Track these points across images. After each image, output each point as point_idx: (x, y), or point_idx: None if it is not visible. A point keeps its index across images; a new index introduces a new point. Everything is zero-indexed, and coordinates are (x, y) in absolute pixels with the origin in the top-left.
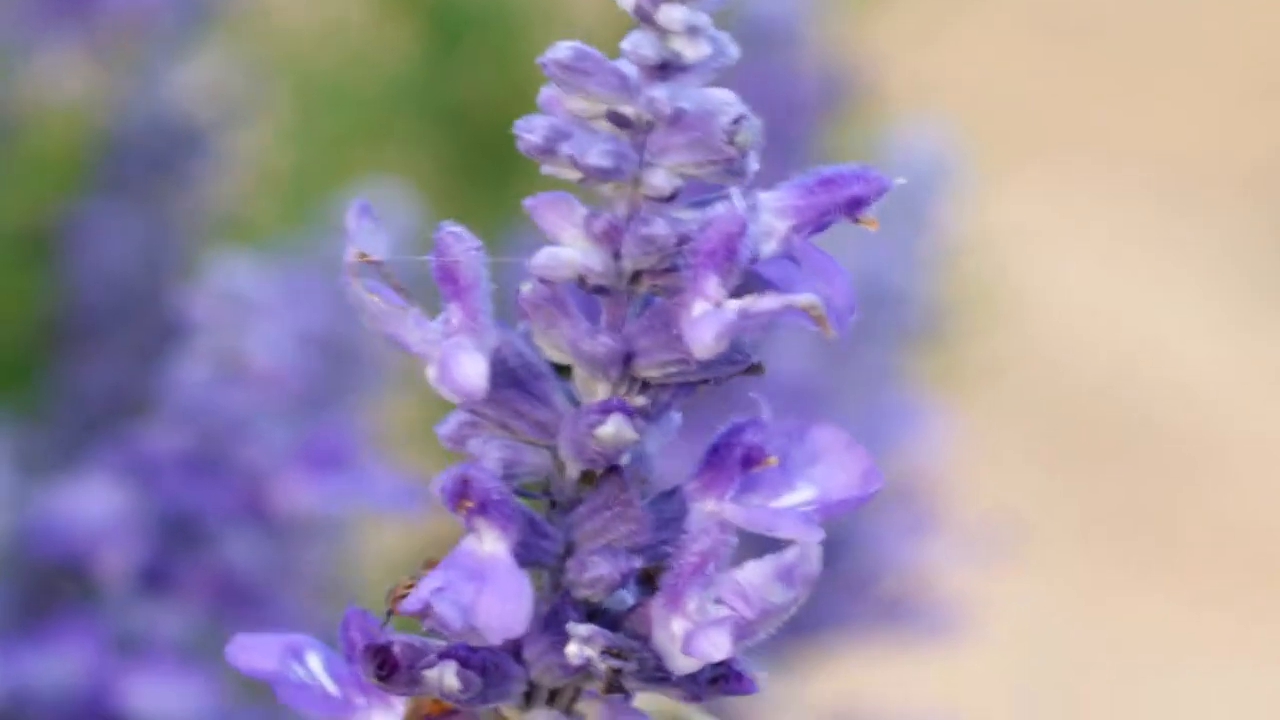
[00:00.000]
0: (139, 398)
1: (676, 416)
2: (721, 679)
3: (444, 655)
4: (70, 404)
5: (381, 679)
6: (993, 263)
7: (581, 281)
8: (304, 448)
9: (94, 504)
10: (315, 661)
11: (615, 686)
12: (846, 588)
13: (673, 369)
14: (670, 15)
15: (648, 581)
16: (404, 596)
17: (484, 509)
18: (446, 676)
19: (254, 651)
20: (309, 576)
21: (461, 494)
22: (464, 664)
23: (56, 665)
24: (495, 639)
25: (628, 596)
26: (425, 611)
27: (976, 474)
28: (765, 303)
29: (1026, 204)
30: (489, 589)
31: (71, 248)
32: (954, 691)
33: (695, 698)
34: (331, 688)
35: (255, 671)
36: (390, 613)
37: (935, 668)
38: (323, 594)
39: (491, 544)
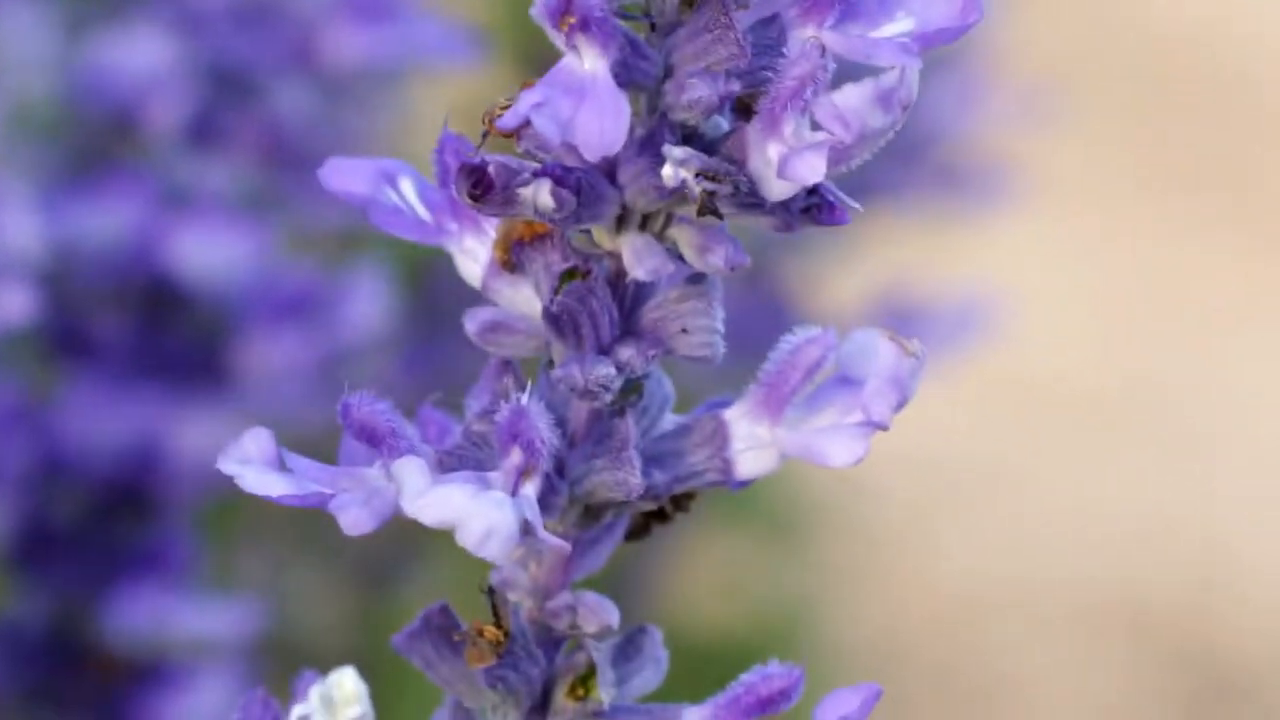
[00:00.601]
0: None
1: None
2: (814, 208)
3: (539, 174)
4: None
5: (475, 199)
6: None
7: None
8: None
9: (142, 56)
10: (408, 187)
11: (709, 210)
12: (898, 154)
13: None
14: None
15: (744, 111)
16: (501, 115)
17: (585, 25)
18: (540, 194)
19: (347, 174)
20: (361, 133)
21: (563, 10)
22: (559, 182)
23: (105, 219)
24: (592, 155)
25: (724, 122)
26: (523, 127)
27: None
28: None
29: None
30: (587, 105)
31: None
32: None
33: (787, 227)
34: (424, 213)
35: (347, 194)
36: (485, 135)
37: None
38: (375, 152)
39: (591, 62)
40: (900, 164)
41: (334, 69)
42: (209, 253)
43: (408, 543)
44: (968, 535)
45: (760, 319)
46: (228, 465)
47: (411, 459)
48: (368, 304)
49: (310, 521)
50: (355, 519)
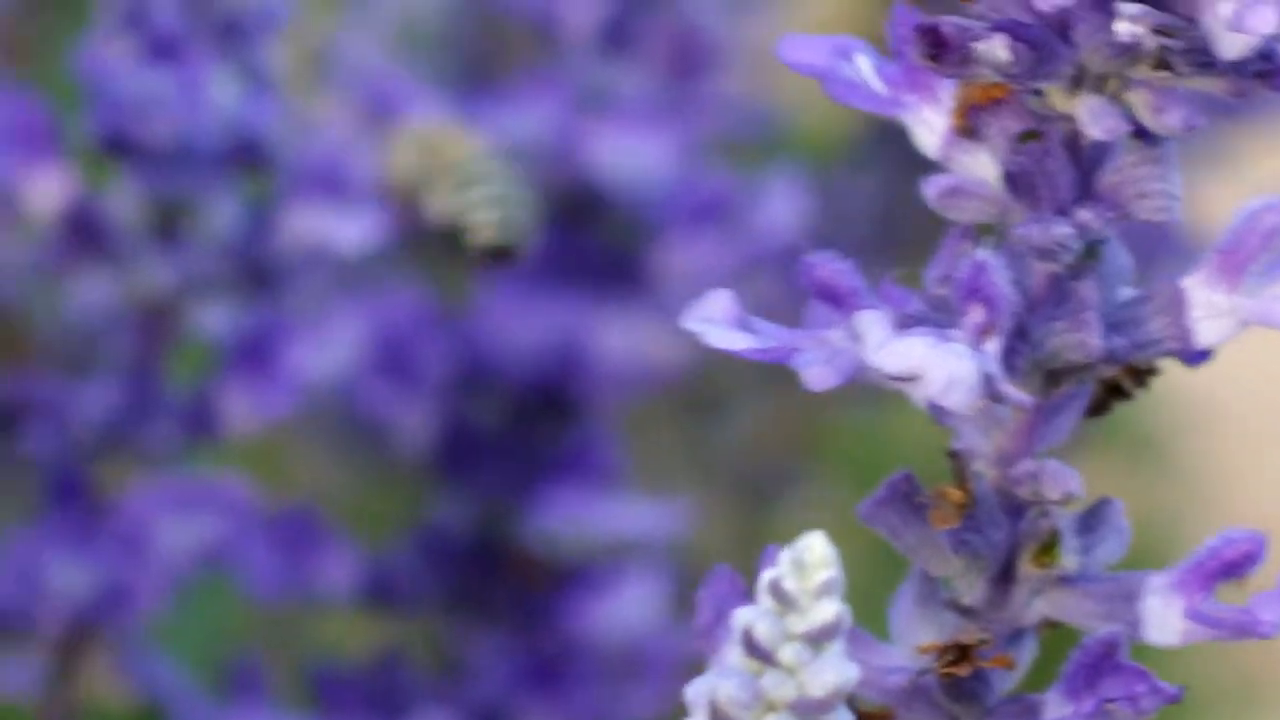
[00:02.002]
0: None
1: None
2: (1269, 73)
3: (994, 28)
4: None
5: (932, 58)
6: None
7: None
8: None
9: None
10: (863, 62)
11: (1163, 64)
12: None
13: None
14: None
15: None
16: None
17: None
18: (997, 49)
19: (803, 49)
20: (760, 41)
21: None
22: (1014, 36)
23: (524, 124)
24: (1045, 4)
25: None
26: None
27: None
28: None
29: None
30: None
31: None
32: None
33: (1239, 92)
34: (880, 86)
35: (804, 67)
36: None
37: None
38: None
39: None
40: None
41: None
42: (627, 156)
43: (789, 464)
44: None
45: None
46: (692, 323)
47: (873, 312)
48: (782, 209)
49: (694, 442)
50: (819, 375)
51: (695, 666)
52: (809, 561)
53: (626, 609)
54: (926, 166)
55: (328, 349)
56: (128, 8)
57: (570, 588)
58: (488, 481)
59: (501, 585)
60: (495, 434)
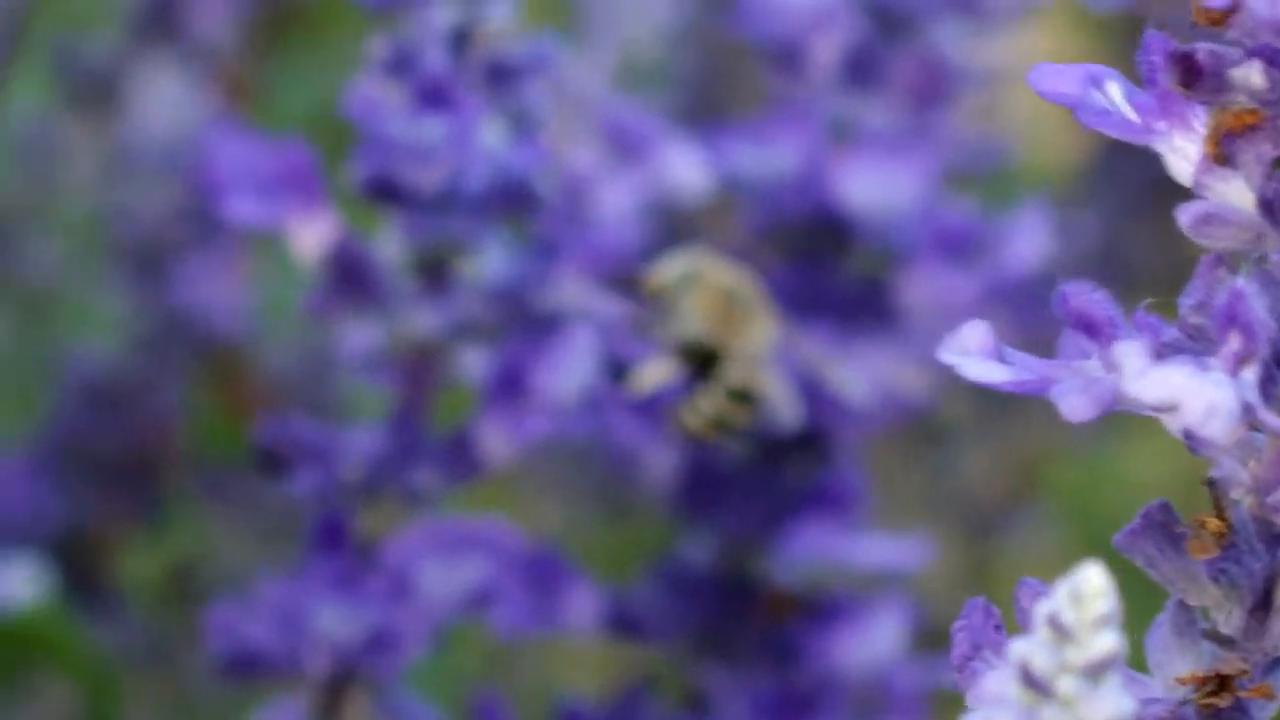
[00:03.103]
0: None
1: None
2: None
3: (1250, 54)
4: None
5: (1186, 85)
6: None
7: None
8: None
9: None
10: (1115, 90)
11: None
12: None
13: None
14: None
15: None
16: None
17: None
18: (1252, 75)
19: (1055, 77)
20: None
21: None
22: (1269, 62)
23: (769, 154)
24: None
25: None
26: (1231, 11)
27: None
28: None
29: None
30: None
31: None
32: None
33: None
34: (1131, 114)
35: (1055, 95)
36: (1193, 26)
37: None
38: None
39: None
40: None
41: (990, 11)
42: (875, 187)
43: (1015, 497)
44: None
45: None
46: (948, 355)
47: (1131, 342)
48: (1029, 240)
49: (923, 475)
50: (1076, 405)
51: (939, 699)
52: (1086, 593)
53: (872, 642)
54: (1154, 199)
55: (574, 378)
56: (396, 53)
57: (816, 621)
58: (733, 516)
59: (747, 619)
60: (742, 468)
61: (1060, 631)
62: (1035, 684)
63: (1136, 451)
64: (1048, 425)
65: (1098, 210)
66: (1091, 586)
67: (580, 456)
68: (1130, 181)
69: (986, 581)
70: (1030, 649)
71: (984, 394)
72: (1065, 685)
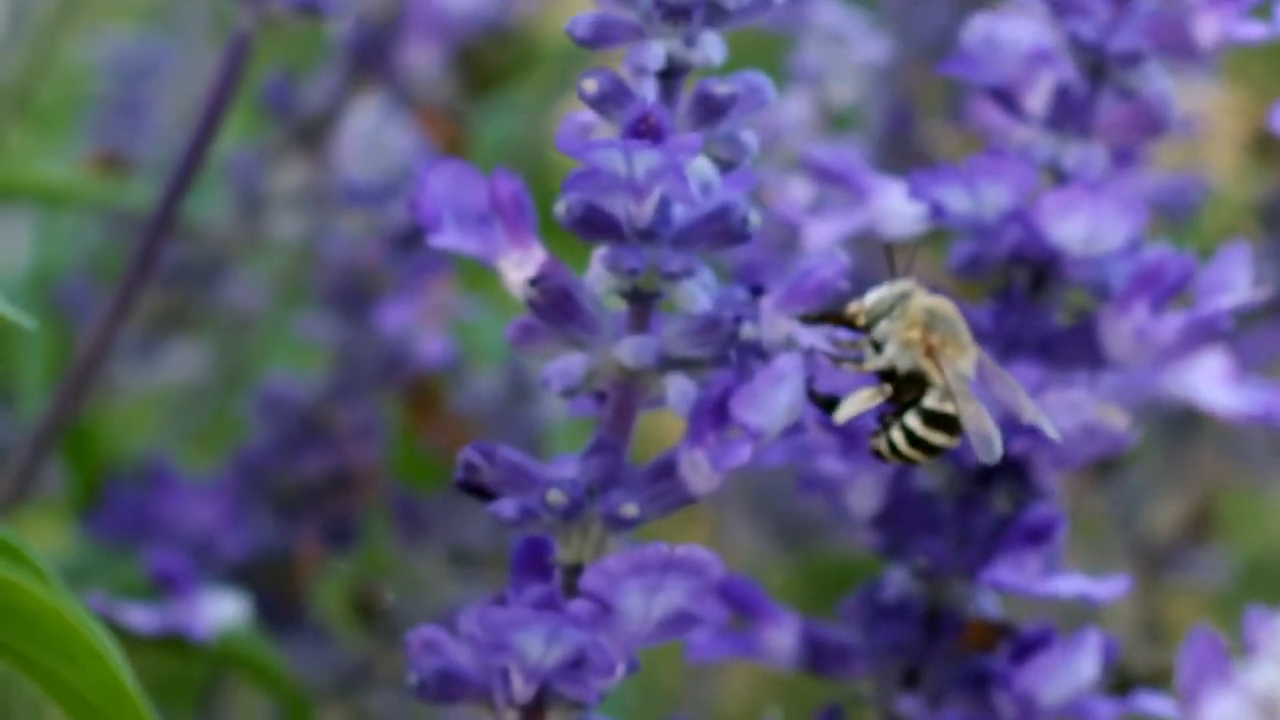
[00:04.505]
0: None
1: None
2: None
3: None
4: None
5: None
6: None
7: None
8: None
9: (1027, 33)
10: None
11: None
12: None
13: None
14: None
15: None
16: None
17: None
18: None
19: None
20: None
21: None
22: None
23: (981, 192)
24: None
25: None
26: None
27: None
28: None
29: None
30: None
31: None
32: None
33: None
34: None
35: None
36: None
37: None
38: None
39: None
40: None
41: (1200, 52)
42: (1085, 226)
43: (1193, 530)
44: None
45: None
46: (1179, 383)
47: None
48: (1235, 276)
49: (1100, 508)
50: None
51: None
52: None
53: (1072, 674)
54: None
55: (779, 408)
56: (609, 86)
57: (1016, 652)
58: (936, 545)
59: (946, 650)
60: (943, 497)
61: None
62: (1272, 710)
63: None
64: (1227, 465)
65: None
66: None
67: (764, 488)
68: None
69: (1159, 616)
70: (1271, 677)
71: (1169, 431)
72: None
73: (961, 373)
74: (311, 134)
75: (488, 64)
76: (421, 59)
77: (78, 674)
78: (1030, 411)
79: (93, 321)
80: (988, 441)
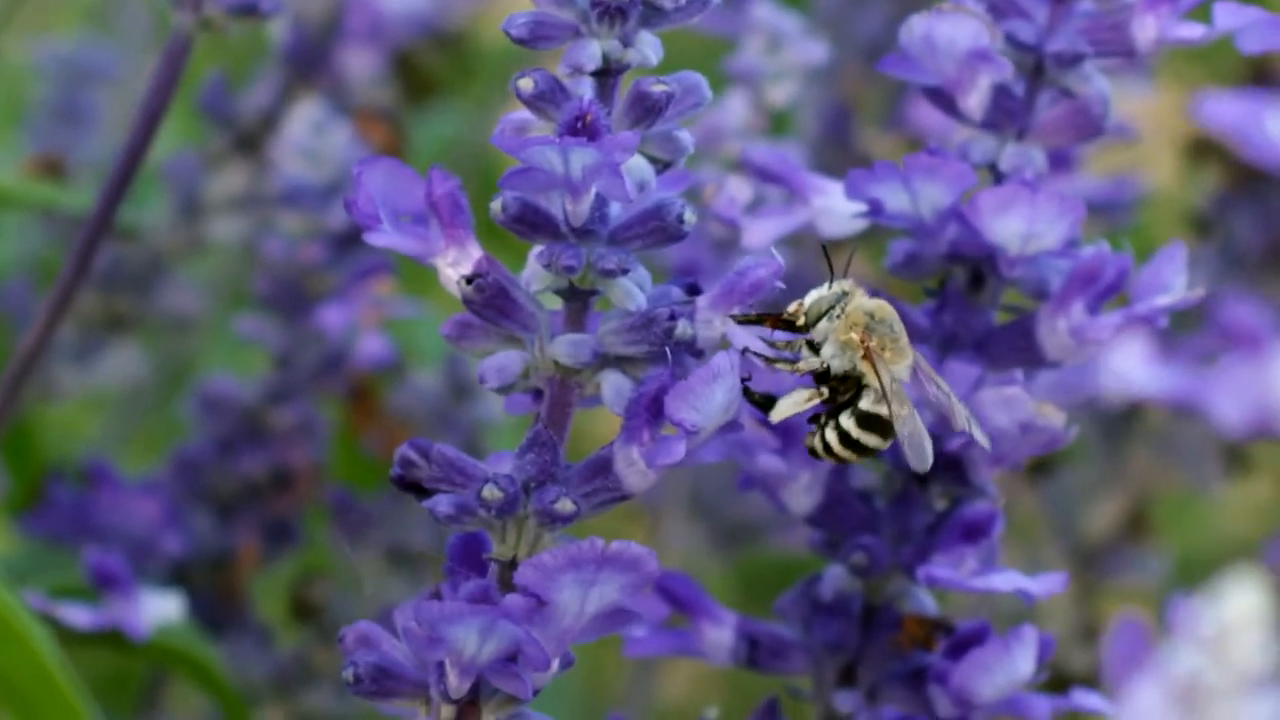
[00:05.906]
0: None
1: None
2: None
3: None
4: None
5: None
6: None
7: None
8: None
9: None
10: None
11: None
12: None
13: None
14: None
15: None
16: None
17: None
18: None
19: (1225, 105)
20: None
21: None
22: None
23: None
24: None
25: None
26: None
27: None
28: None
29: None
30: None
31: None
32: None
33: None
34: None
35: (1224, 124)
36: None
37: None
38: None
39: None
40: None
41: (1139, 54)
42: (1023, 224)
43: (1129, 531)
44: None
45: None
46: (1109, 371)
47: None
48: (1169, 277)
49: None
50: (1229, 412)
51: None
52: (1234, 609)
53: (1009, 669)
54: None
55: (715, 406)
56: (542, 87)
57: (954, 648)
58: (873, 542)
59: (883, 646)
60: (880, 494)
61: (1210, 646)
62: (1192, 697)
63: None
64: (1163, 465)
65: (1215, 255)
66: (1241, 604)
67: (702, 489)
68: (1245, 231)
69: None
70: (1191, 662)
71: (1105, 431)
72: (1219, 698)
73: (898, 377)
74: (251, 137)
75: (426, 67)
76: (360, 62)
77: (5, 659)
78: (962, 418)
79: (31, 323)
80: (920, 448)
